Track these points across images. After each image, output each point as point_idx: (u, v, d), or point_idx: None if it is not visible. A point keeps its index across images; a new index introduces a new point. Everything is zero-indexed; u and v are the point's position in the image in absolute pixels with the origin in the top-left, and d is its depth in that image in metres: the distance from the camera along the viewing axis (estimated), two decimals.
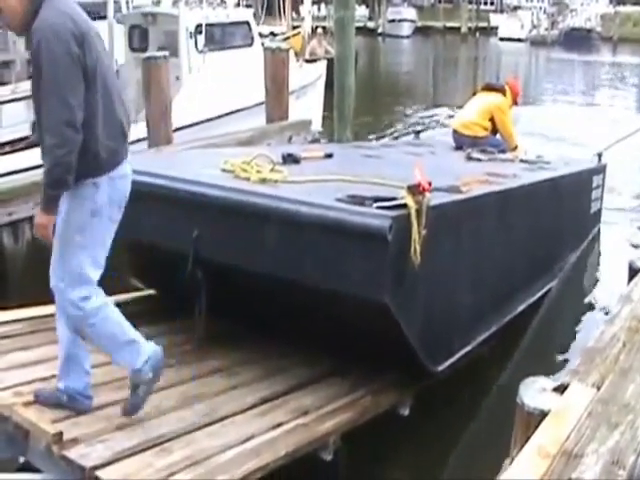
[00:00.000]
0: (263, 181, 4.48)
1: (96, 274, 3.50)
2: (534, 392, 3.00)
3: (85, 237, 3.35)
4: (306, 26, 19.26)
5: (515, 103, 8.24)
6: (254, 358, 4.63)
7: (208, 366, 4.51)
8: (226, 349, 4.71)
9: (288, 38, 18.29)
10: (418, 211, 3.78)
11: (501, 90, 8.10)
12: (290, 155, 5.43)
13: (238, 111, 10.99)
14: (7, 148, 8.75)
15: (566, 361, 5.53)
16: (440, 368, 4.49)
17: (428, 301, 4.25)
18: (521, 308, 5.68)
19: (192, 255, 4.32)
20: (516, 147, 7.90)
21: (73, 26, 3.19)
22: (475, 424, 4.89)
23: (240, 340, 4.82)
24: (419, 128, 9.99)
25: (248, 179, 4.52)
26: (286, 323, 4.56)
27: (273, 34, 23.29)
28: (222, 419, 3.88)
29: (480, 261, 4.83)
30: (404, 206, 3.79)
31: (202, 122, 10.40)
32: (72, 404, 3.71)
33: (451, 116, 12.43)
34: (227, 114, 10.92)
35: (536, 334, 6.02)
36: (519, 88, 8.40)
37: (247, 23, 12.52)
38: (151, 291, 5.60)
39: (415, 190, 3.80)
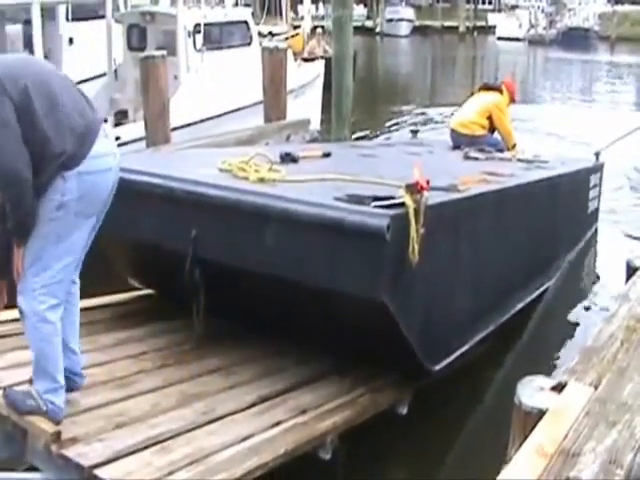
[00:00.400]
0: (261, 180, 4.49)
1: (63, 271, 3.45)
2: (532, 391, 3.01)
3: (50, 229, 3.37)
4: (305, 26, 19.27)
5: (512, 101, 8.27)
6: (253, 357, 4.64)
7: (207, 365, 4.52)
8: (224, 348, 4.72)
9: (288, 38, 18.27)
10: (416, 210, 3.79)
11: (498, 89, 8.14)
12: (288, 154, 5.44)
13: (236, 110, 11.03)
14: None
15: (563, 360, 5.54)
16: (438, 367, 4.50)
17: (426, 300, 4.26)
18: (518, 307, 5.70)
19: (190, 255, 4.33)
20: (514, 145, 7.93)
21: None
22: (473, 423, 4.91)
23: (238, 339, 4.83)
24: (416, 127, 10.00)
25: (246, 178, 4.53)
26: (285, 322, 4.57)
27: (272, 34, 23.31)
28: (221, 418, 3.89)
29: (478, 260, 4.85)
30: (402, 205, 3.80)
31: (201, 121, 10.44)
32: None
33: (448, 115, 12.44)
34: (225, 113, 10.96)
35: (533, 333, 6.04)
36: (515, 87, 8.47)
37: (245, 22, 12.55)
38: (149, 291, 5.61)
39: (413, 189, 3.80)
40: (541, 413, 2.93)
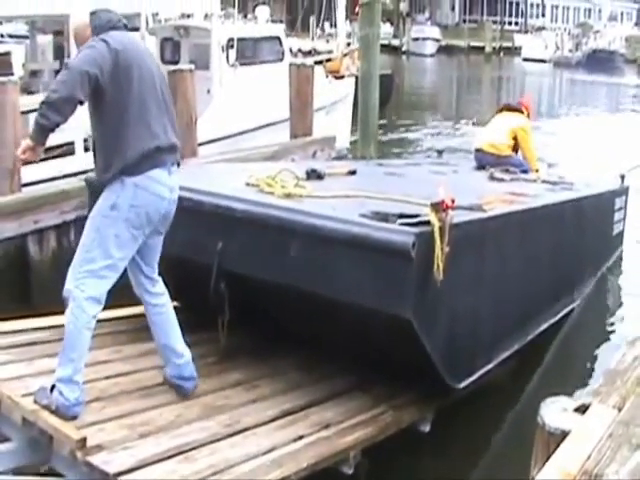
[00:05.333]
0: (288, 196, 4.54)
1: (107, 268, 3.74)
2: (555, 412, 3.00)
3: (103, 225, 3.72)
4: (340, 43, 19.41)
5: (529, 117, 8.24)
6: (275, 372, 4.67)
7: (230, 378, 4.56)
8: (248, 362, 4.75)
9: (330, 60, 18.25)
10: (441, 228, 3.82)
11: (519, 110, 8.11)
12: (314, 171, 5.49)
13: (268, 125, 11.07)
14: None
15: (587, 382, 5.52)
16: (461, 385, 4.50)
17: (450, 318, 4.28)
18: (543, 327, 5.69)
19: (216, 267, 4.38)
20: (537, 170, 7.91)
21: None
22: (496, 443, 4.90)
23: (262, 354, 4.86)
24: (442, 147, 10.02)
25: (272, 193, 4.58)
26: (309, 336, 4.60)
27: (302, 51, 23.45)
28: (244, 430, 3.92)
29: (502, 279, 4.86)
30: (427, 223, 3.83)
31: (232, 136, 10.51)
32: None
33: (472, 135, 12.45)
34: (257, 128, 11.02)
35: (558, 354, 6.02)
36: (532, 106, 8.50)
37: (278, 38, 12.66)
38: (175, 303, 5.65)
39: (439, 207, 3.84)
40: (564, 434, 2.91)
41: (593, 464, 2.72)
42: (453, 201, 3.91)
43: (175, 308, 5.56)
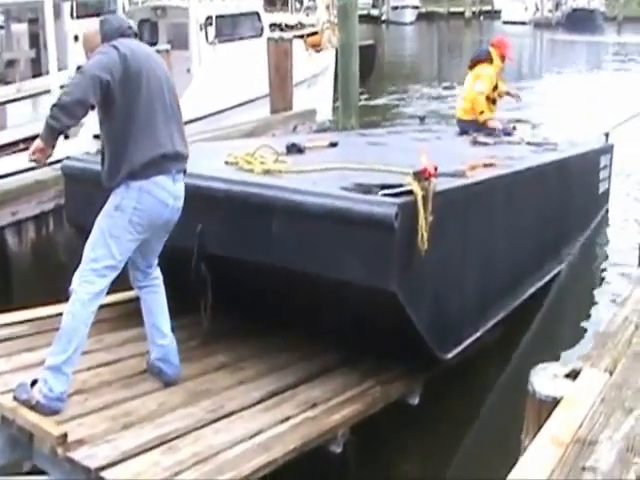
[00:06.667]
0: (267, 172, 4.42)
1: (108, 268, 3.79)
2: (545, 379, 2.92)
3: (107, 225, 3.78)
4: (321, 16, 19.14)
5: (504, 59, 7.77)
6: (260, 353, 4.57)
7: (214, 362, 4.46)
8: (231, 344, 4.65)
9: (315, 33, 17.98)
10: (424, 197, 3.72)
11: (485, 59, 7.72)
12: (294, 145, 5.37)
13: (250, 102, 10.90)
14: (13, 148, 8.69)
15: (577, 346, 5.45)
16: (449, 356, 4.42)
17: (436, 288, 4.19)
18: (530, 292, 5.61)
19: (196, 250, 4.28)
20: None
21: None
22: (486, 412, 4.83)
23: (246, 335, 4.76)
24: (424, 114, 9.89)
25: (252, 171, 4.46)
26: (293, 315, 4.51)
27: (276, 25, 23.11)
28: (229, 415, 3.83)
29: (488, 245, 4.77)
30: (410, 193, 3.72)
31: (214, 114, 10.34)
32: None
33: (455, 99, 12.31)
34: (239, 105, 10.86)
35: (546, 319, 5.95)
36: (506, 43, 7.93)
37: (257, 13, 12.49)
38: None
39: (421, 176, 3.73)
40: (555, 401, 2.83)
41: (586, 431, 2.65)
42: (436, 169, 3.80)
43: None
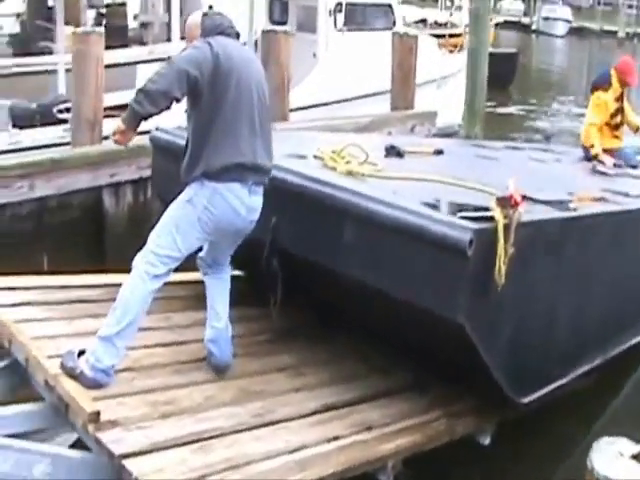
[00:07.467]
0: (349, 173, 4.15)
1: (169, 257, 3.69)
2: (608, 456, 2.53)
3: (176, 215, 3.71)
4: (464, 17, 18.68)
5: (625, 84, 6.98)
6: (327, 359, 4.33)
7: (277, 362, 4.25)
8: (299, 346, 4.42)
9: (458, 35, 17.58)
10: (506, 226, 3.36)
11: (603, 84, 7.00)
12: (393, 147, 5.09)
13: (371, 95, 10.68)
14: None
15: None
16: (526, 400, 4.03)
17: (515, 326, 3.80)
18: (633, 342, 5.10)
19: (269, 243, 4.09)
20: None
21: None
22: (564, 467, 4.38)
23: (315, 338, 4.51)
24: (551, 132, 9.32)
25: (334, 169, 4.21)
26: (363, 324, 4.24)
27: (423, 21, 22.64)
28: (275, 422, 3.60)
29: (586, 287, 4.32)
30: (491, 219, 3.37)
31: (333, 102, 10.19)
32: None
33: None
34: (360, 97, 10.67)
35: None
36: (628, 67, 7.05)
37: (389, 5, 12.22)
38: (238, 272, 5.38)
39: (505, 203, 3.39)
40: None
41: None
42: (524, 197, 3.44)
43: (238, 277, 5.38)
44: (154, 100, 3.50)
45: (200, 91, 3.58)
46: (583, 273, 4.29)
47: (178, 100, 3.59)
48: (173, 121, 5.03)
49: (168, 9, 10.79)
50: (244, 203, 3.71)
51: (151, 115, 3.58)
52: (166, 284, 4.85)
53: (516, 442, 4.29)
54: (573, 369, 4.41)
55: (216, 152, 3.63)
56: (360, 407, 3.91)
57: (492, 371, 3.62)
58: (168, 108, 3.58)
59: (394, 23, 12.06)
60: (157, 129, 5.05)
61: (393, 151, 4.96)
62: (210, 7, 11.73)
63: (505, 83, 19.22)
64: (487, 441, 4.14)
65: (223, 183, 3.65)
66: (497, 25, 28.61)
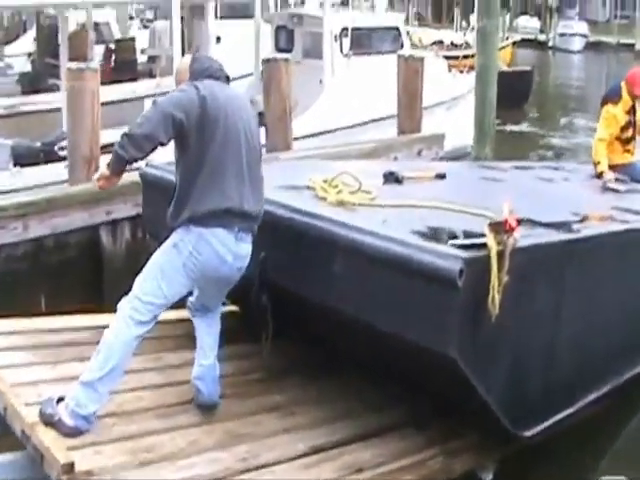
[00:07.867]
0: (340, 203, 4.03)
1: (154, 304, 3.61)
2: None
3: (162, 261, 3.62)
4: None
5: (636, 96, 6.69)
6: (319, 397, 4.17)
7: (267, 401, 4.10)
8: (290, 384, 4.28)
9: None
10: (500, 253, 3.19)
11: (612, 98, 6.79)
12: (392, 174, 4.95)
13: (379, 120, 10.55)
14: None
15: None
16: (529, 433, 3.84)
17: (512, 358, 3.63)
18: None
19: (258, 277, 3.96)
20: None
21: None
22: None
23: (309, 374, 4.36)
24: (561, 150, 9.12)
25: (325, 199, 4.08)
26: (356, 359, 4.09)
27: (440, 42, 22.53)
28: (260, 467, 3.46)
29: (589, 310, 4.13)
30: (484, 246, 3.21)
31: (340, 129, 10.09)
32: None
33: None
34: (368, 122, 10.57)
35: None
36: (638, 77, 6.74)
37: (396, 29, 12.15)
38: (233, 307, 5.26)
39: (499, 228, 3.22)
40: None
41: None
42: (519, 221, 3.27)
43: (231, 313, 5.26)
44: (138, 144, 3.43)
45: (186, 134, 3.51)
46: (587, 297, 4.10)
47: (163, 144, 3.51)
48: (164, 157, 4.98)
49: (171, 42, 10.85)
50: (230, 250, 3.61)
51: (136, 160, 3.54)
52: (159, 323, 4.73)
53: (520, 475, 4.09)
54: (580, 398, 4.22)
55: (202, 197, 3.55)
56: (351, 447, 3.75)
57: (490, 405, 3.45)
58: (153, 151, 3.52)
59: (402, 46, 11.97)
60: (147, 165, 4.97)
61: (391, 177, 4.83)
62: (218, 38, 11.80)
63: (520, 101, 19.03)
64: (489, 477, 3.96)
65: (209, 228, 3.56)
66: (514, 44, 28.47)
